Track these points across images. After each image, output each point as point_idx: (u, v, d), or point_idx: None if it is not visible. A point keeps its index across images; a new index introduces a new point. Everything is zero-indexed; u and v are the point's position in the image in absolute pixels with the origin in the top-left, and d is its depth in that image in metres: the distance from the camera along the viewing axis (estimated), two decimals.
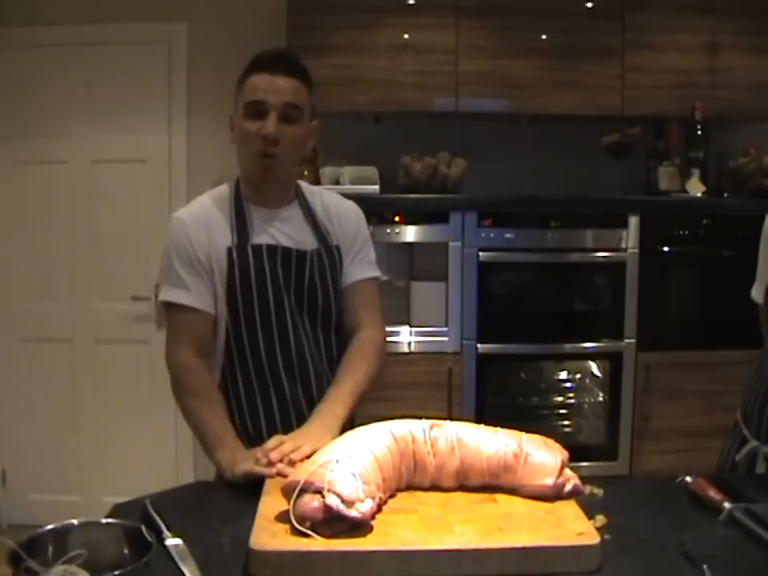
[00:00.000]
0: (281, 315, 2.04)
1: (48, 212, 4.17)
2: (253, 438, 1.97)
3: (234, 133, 2.06)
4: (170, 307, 2.05)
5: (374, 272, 2.21)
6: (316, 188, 2.25)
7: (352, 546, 1.29)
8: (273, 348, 2.05)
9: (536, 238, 3.72)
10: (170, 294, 2.04)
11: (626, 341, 3.75)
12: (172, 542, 1.38)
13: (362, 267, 2.18)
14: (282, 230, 2.08)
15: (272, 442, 1.76)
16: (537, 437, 1.59)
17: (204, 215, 2.06)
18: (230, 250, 2.01)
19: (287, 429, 1.97)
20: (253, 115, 1.98)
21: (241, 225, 2.04)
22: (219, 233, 2.04)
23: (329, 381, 2.07)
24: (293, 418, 2.04)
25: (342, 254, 2.14)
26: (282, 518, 1.37)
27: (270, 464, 1.67)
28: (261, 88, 1.97)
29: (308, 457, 1.60)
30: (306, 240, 2.09)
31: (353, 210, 2.23)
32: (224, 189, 2.13)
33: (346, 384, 1.99)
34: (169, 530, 1.41)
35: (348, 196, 2.28)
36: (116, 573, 1.12)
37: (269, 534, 1.32)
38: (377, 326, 2.16)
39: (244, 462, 1.74)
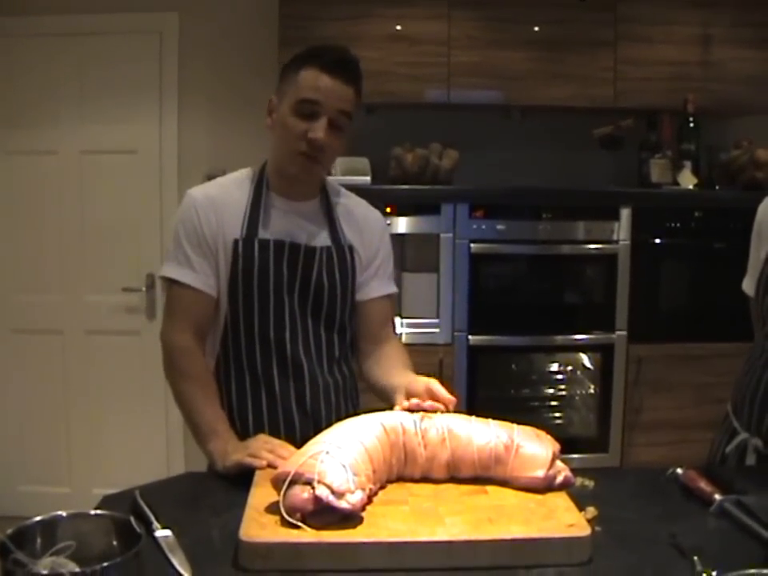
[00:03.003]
0: (279, 317, 2.02)
1: (38, 203, 4.15)
2: (238, 433, 1.93)
3: (271, 119, 2.00)
4: (172, 284, 2.02)
5: (392, 288, 2.20)
6: (342, 189, 2.19)
7: (342, 538, 1.29)
8: (268, 349, 2.02)
9: (528, 229, 3.72)
10: (174, 272, 2.00)
11: (618, 333, 3.76)
12: (161, 533, 1.37)
13: (382, 283, 2.17)
14: (298, 224, 2.04)
15: (258, 442, 1.76)
16: (528, 428, 1.59)
17: (218, 197, 2.03)
18: (236, 242, 1.98)
19: (274, 428, 1.98)
20: (302, 114, 1.90)
21: (254, 214, 2.01)
22: (230, 218, 2.00)
23: (324, 383, 2.06)
24: (280, 418, 2.02)
25: (359, 262, 2.11)
26: (272, 509, 1.36)
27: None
28: (317, 88, 1.89)
29: None
30: (319, 236, 2.06)
31: (378, 222, 2.20)
32: (246, 172, 2.10)
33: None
34: (158, 521, 1.41)
35: None
36: (105, 564, 1.11)
37: (258, 526, 1.32)
38: (397, 341, 2.22)
39: (235, 453, 1.73)
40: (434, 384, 1.74)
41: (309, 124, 1.91)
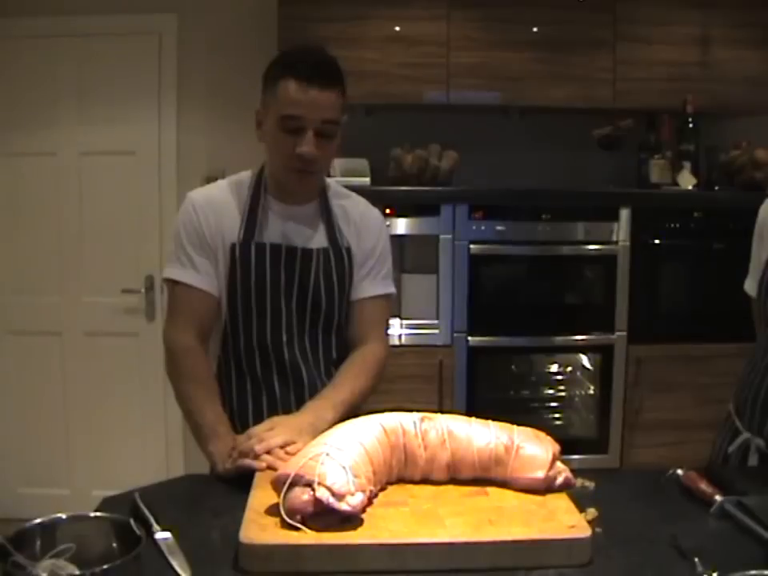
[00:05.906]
0: (276, 322, 2.02)
1: (37, 204, 4.14)
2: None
3: (261, 131, 1.99)
4: (174, 285, 2.02)
5: (387, 288, 2.17)
6: (343, 190, 2.18)
7: (342, 540, 1.29)
8: (267, 354, 2.04)
9: (527, 230, 3.71)
10: (177, 273, 2.01)
11: (617, 333, 3.76)
12: (161, 535, 1.37)
13: (374, 283, 2.14)
14: (295, 227, 2.04)
15: (242, 437, 1.75)
16: (528, 430, 1.58)
17: (217, 199, 2.04)
18: (233, 246, 1.99)
19: None
20: (287, 129, 1.89)
21: (251, 218, 2.01)
22: (228, 220, 2.01)
23: (323, 386, 2.04)
24: None
25: (355, 262, 2.10)
26: (272, 511, 1.36)
27: (255, 456, 1.65)
28: (297, 102, 1.87)
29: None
30: (316, 238, 2.06)
31: (376, 222, 2.18)
32: (245, 175, 2.10)
33: (342, 390, 1.95)
34: (158, 523, 1.40)
35: None
36: (105, 567, 1.10)
37: (258, 528, 1.31)
38: (382, 344, 2.14)
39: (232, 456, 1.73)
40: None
41: (295, 139, 1.90)
